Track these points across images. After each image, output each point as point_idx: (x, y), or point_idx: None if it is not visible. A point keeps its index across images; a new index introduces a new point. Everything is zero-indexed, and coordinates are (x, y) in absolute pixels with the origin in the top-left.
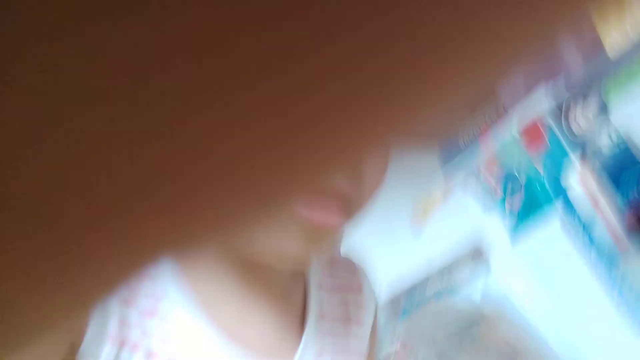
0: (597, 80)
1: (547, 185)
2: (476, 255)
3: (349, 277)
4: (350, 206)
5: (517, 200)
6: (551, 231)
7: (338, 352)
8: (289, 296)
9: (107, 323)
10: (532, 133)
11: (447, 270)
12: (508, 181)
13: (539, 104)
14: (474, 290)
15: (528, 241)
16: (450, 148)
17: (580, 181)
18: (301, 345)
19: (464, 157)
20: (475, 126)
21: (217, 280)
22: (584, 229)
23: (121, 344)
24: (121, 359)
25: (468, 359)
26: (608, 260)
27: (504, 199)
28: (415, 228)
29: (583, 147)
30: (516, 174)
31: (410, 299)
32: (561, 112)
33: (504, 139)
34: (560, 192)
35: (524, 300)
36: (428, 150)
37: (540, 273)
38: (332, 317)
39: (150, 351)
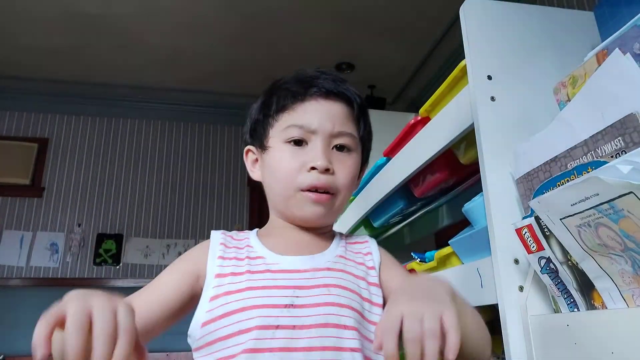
0: None
1: None
2: (628, 124)
3: (361, 240)
4: (333, 189)
5: None
6: None
7: (353, 262)
8: (320, 237)
9: (215, 253)
10: None
11: (592, 141)
12: None
13: None
14: (621, 162)
15: None
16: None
17: None
18: (329, 248)
19: (628, 8)
20: None
21: (278, 235)
22: None
23: (223, 259)
24: (224, 265)
25: (611, 232)
26: None
27: None
28: (559, 100)
29: None
30: None
31: (548, 172)
32: None
33: None
34: None
35: None
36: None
37: None
38: (348, 249)
39: (239, 258)
